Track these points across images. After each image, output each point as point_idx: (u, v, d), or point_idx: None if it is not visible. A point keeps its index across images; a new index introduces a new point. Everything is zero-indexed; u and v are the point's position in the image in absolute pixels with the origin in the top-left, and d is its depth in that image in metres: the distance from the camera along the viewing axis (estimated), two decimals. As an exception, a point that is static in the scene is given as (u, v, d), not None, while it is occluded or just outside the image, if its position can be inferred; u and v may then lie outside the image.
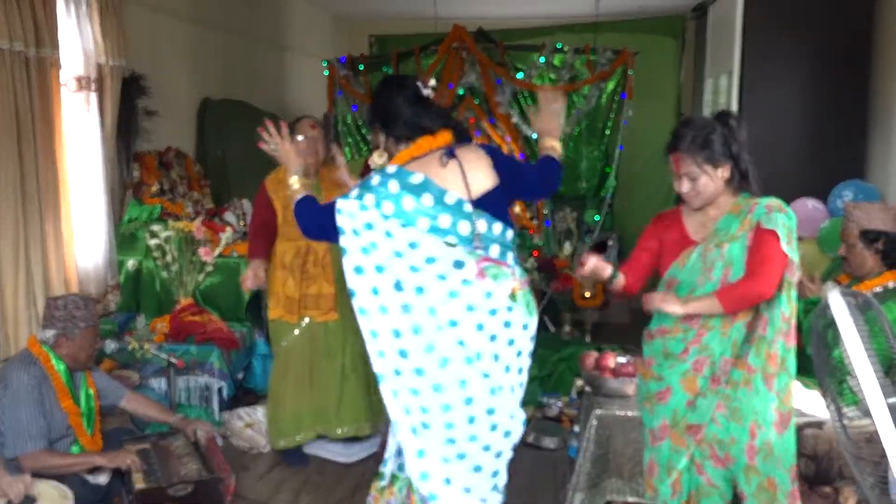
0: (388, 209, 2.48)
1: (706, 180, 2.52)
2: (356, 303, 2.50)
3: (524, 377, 2.71)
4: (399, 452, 2.67)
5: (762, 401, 2.44)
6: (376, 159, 2.65)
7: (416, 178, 2.52)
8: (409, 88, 2.68)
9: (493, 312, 2.49)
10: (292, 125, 3.95)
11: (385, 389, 2.53)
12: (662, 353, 2.60)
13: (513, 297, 2.51)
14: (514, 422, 2.65)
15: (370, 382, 4.03)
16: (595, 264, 2.56)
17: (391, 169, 2.56)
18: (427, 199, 2.51)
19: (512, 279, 2.52)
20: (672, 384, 2.58)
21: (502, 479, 2.67)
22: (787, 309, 2.43)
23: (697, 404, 2.55)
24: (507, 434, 2.61)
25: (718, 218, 2.57)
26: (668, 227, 2.66)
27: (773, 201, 2.51)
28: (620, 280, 2.63)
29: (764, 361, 2.43)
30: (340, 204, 2.51)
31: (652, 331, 2.67)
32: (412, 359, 2.49)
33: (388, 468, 2.77)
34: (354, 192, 2.54)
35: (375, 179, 2.54)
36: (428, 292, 2.47)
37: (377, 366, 2.52)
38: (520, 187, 2.73)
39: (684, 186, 2.53)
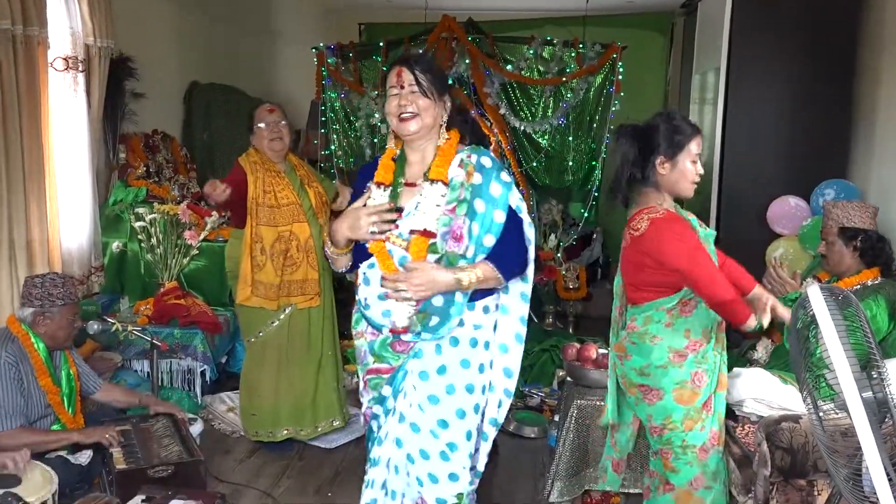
0: None
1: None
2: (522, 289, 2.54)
3: None
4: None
5: None
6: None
7: None
8: None
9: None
10: (251, 113, 3.94)
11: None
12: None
13: None
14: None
15: (338, 372, 4.06)
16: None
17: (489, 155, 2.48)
18: None
19: None
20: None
21: None
22: None
23: None
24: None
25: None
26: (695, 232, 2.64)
27: None
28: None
29: None
30: (514, 200, 2.42)
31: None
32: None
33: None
34: (507, 177, 2.43)
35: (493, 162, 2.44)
36: None
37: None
38: None
39: (699, 167, 2.62)
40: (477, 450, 2.56)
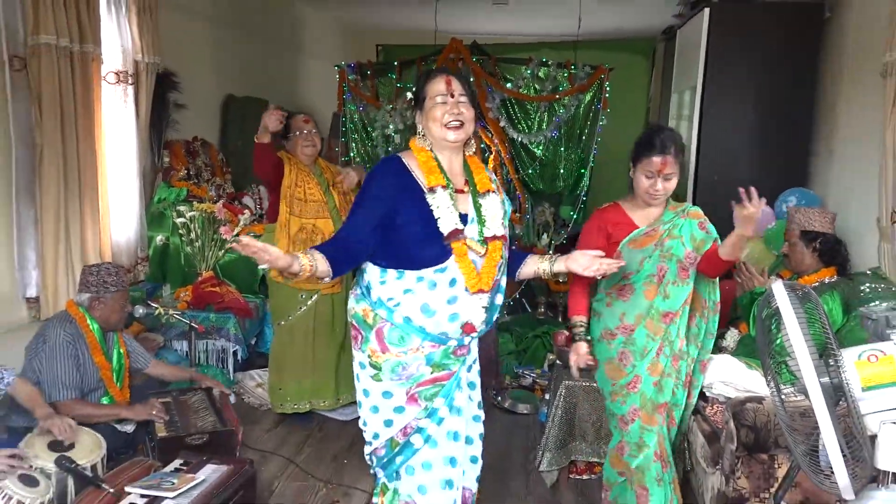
0: None
1: (675, 181, 2.58)
2: None
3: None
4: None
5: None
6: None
7: None
8: None
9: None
10: (288, 122, 3.92)
11: None
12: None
13: None
14: None
15: None
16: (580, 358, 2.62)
17: None
18: None
19: None
20: (640, 373, 2.65)
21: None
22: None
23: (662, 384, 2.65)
24: None
25: (659, 213, 2.65)
26: (619, 223, 2.66)
27: (698, 209, 2.71)
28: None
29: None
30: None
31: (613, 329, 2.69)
32: None
33: None
34: None
35: None
36: None
37: None
38: None
39: (659, 185, 2.55)
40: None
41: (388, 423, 2.27)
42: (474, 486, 2.40)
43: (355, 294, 2.28)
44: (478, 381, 2.41)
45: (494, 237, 2.21)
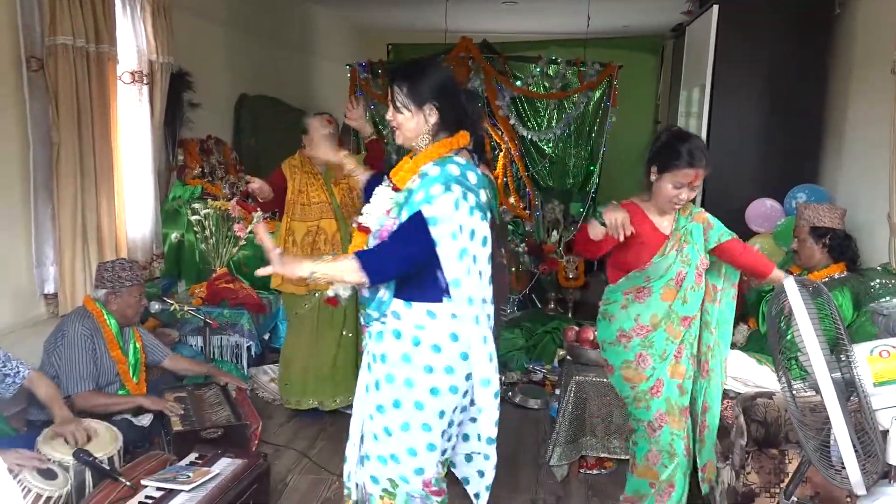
0: (472, 201, 2.02)
1: (699, 190, 2.58)
2: (462, 293, 2.04)
3: None
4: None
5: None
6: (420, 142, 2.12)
7: (479, 171, 2.13)
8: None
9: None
10: (308, 121, 3.91)
11: None
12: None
13: None
14: None
15: (356, 354, 3.96)
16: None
17: (461, 159, 2.08)
18: (484, 196, 2.10)
19: None
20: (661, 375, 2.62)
21: None
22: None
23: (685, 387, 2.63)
24: None
25: (674, 217, 2.62)
26: (641, 222, 2.60)
27: (702, 210, 2.70)
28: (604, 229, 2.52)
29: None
30: (429, 211, 1.97)
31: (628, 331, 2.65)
32: None
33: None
34: (438, 189, 1.99)
35: (455, 169, 2.03)
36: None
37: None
38: None
39: (684, 195, 2.53)
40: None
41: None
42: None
43: None
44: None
45: (357, 226, 2.20)
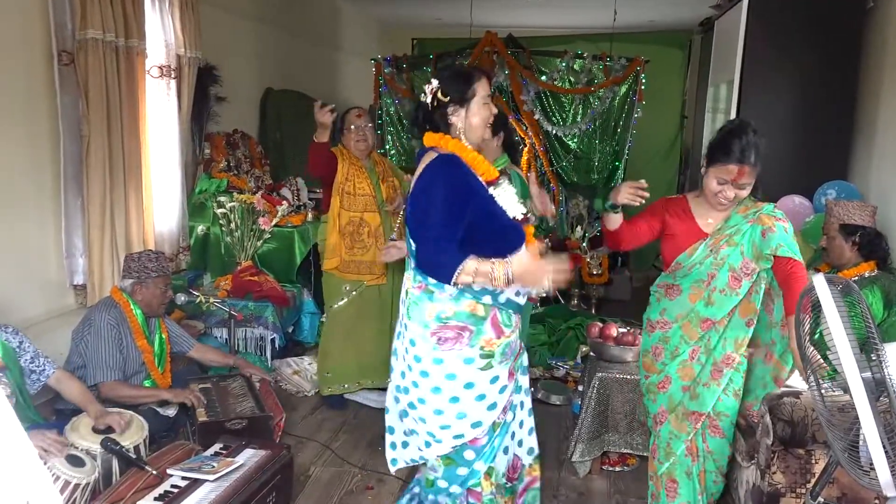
0: None
1: (749, 189, 2.41)
2: None
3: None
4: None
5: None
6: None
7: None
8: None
9: None
10: (343, 116, 3.94)
11: None
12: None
13: None
14: None
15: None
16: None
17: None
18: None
19: None
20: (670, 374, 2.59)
21: None
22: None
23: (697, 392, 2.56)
24: None
25: (726, 216, 2.47)
26: (680, 217, 2.54)
27: (774, 213, 2.42)
28: (618, 218, 2.55)
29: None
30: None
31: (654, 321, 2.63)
32: None
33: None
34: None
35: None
36: None
37: None
38: None
39: (729, 192, 2.39)
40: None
41: (492, 407, 2.30)
42: (525, 458, 2.53)
43: (442, 296, 2.22)
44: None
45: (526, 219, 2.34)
